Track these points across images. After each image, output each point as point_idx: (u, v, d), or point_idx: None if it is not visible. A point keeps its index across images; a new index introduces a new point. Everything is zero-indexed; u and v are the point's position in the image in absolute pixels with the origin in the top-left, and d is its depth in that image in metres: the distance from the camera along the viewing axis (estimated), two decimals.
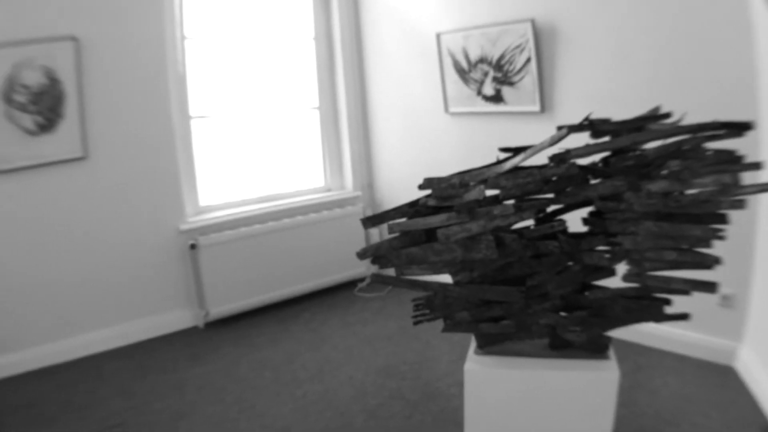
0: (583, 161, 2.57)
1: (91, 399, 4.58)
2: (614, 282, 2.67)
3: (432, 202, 2.69)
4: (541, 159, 2.67)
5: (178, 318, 5.78)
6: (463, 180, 2.64)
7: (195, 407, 4.35)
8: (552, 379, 2.76)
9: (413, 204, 2.80)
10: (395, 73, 6.47)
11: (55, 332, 5.25)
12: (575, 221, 2.79)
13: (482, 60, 5.40)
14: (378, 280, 2.83)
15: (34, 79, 4.89)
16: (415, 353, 4.88)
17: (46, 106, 4.96)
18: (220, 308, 5.82)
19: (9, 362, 5.06)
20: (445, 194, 2.65)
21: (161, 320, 5.70)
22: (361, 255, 2.75)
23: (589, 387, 2.71)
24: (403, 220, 2.70)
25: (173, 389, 4.63)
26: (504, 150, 2.92)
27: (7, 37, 4.76)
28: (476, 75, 5.50)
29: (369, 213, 6.63)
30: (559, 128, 2.59)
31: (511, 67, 5.20)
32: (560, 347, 2.82)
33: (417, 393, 4.28)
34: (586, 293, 2.71)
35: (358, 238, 6.61)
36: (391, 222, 2.69)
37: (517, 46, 5.10)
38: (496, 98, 5.40)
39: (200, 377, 4.80)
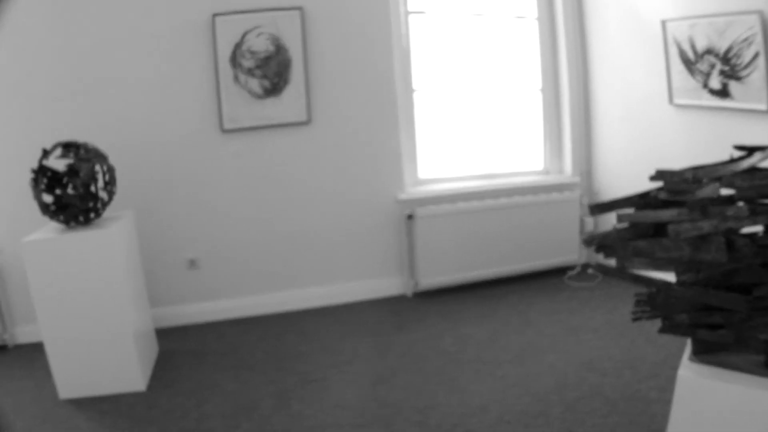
0: None
1: (293, 352, 4.99)
2: None
3: (663, 196, 2.67)
4: None
5: (387, 285, 6.13)
6: (697, 175, 2.59)
7: (395, 373, 4.59)
8: (763, 400, 2.63)
9: (644, 195, 2.78)
10: (618, 58, 6.38)
11: (265, 285, 5.78)
12: None
13: (709, 51, 5.24)
14: (601, 270, 2.87)
15: (261, 45, 5.43)
16: (620, 350, 4.83)
17: (272, 71, 5.47)
18: (429, 280, 6.09)
19: (219, 308, 5.65)
20: (677, 188, 2.61)
21: (370, 285, 6.07)
22: (588, 242, 2.79)
23: None
24: (631, 210, 2.71)
25: (375, 353, 4.93)
26: (739, 148, 2.84)
27: (238, 6, 5.29)
28: (702, 67, 5.34)
29: (586, 200, 6.61)
30: None
31: (738, 61, 5.00)
32: None
33: (617, 392, 4.22)
34: None
35: (573, 224, 6.65)
36: (620, 212, 2.69)
37: (745, 39, 4.90)
38: (723, 93, 5.21)
39: (403, 344, 5.06)
